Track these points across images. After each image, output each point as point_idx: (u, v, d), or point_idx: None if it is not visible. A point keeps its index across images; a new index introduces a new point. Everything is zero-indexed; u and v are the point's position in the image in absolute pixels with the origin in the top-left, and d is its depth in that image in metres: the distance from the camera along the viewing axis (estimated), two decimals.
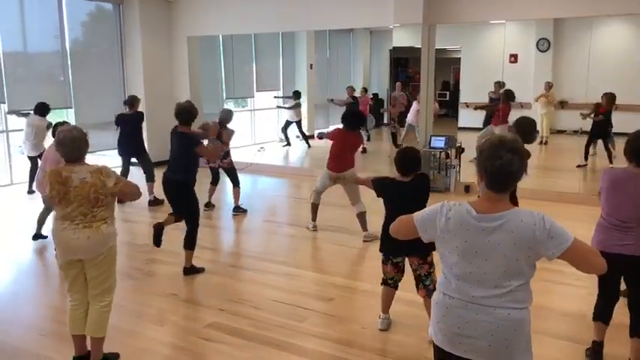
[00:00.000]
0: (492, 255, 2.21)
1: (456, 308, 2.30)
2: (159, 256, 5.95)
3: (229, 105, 13.25)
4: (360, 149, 6.68)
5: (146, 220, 7.49)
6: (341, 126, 6.56)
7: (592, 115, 10.25)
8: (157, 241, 5.36)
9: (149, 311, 4.61)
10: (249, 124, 14.02)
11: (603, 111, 10.16)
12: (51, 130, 6.06)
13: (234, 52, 12.88)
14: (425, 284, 4.00)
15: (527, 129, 5.41)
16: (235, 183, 7.65)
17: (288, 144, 13.70)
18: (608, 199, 3.49)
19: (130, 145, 8.14)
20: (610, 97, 10.13)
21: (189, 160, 5.29)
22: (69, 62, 10.15)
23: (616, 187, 3.44)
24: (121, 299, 4.66)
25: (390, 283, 4.12)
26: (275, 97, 13.68)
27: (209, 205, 7.78)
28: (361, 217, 6.42)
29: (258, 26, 10.74)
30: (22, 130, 8.72)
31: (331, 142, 6.57)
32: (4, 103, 9.23)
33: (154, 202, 7.98)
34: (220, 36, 12.20)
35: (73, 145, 3.45)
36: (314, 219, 6.85)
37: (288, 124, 13.57)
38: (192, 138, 5.34)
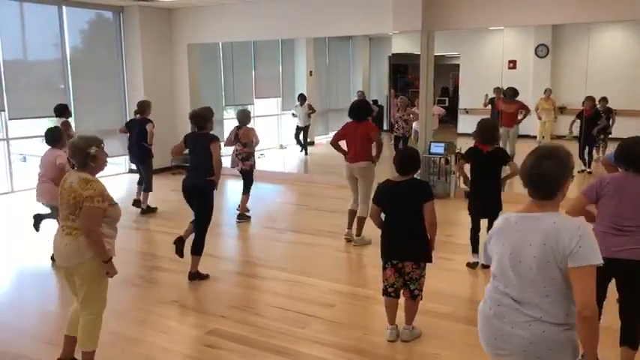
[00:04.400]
0: (525, 256, 2.19)
1: (494, 320, 2.29)
2: (161, 263, 5.96)
3: (229, 112, 13.28)
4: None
5: (146, 228, 7.51)
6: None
7: (574, 122, 10.54)
8: (180, 253, 5.38)
9: (151, 318, 4.61)
10: None
11: (589, 114, 10.28)
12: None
13: (233, 59, 12.93)
14: (410, 287, 4.05)
15: (485, 130, 5.52)
16: (245, 189, 7.59)
17: (305, 150, 13.43)
18: (610, 205, 3.38)
19: (134, 151, 8.14)
20: (590, 100, 10.36)
21: (209, 158, 5.31)
22: (69, 70, 10.18)
23: (620, 192, 3.38)
24: (123, 306, 4.68)
25: (391, 292, 4.09)
26: (293, 114, 13.53)
27: (242, 217, 7.63)
28: (360, 221, 6.41)
29: (258, 33, 10.80)
30: (22, 137, 8.72)
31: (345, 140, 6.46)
32: (4, 110, 9.25)
33: (147, 211, 7.97)
34: (220, 43, 12.26)
35: (71, 152, 3.54)
36: (348, 226, 6.60)
37: (299, 130, 13.41)
38: (208, 135, 5.43)
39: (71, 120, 8.20)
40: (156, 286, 5.38)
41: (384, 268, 4.11)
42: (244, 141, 7.37)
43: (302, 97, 13.33)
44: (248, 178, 7.58)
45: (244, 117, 7.50)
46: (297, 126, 13.40)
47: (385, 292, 4.12)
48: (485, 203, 5.56)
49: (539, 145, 2.35)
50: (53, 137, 5.90)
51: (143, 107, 7.98)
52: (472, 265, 5.63)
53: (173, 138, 10.49)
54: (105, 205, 3.42)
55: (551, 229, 2.14)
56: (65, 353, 3.69)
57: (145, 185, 8.05)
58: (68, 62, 10.18)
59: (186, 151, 5.63)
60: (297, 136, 13.49)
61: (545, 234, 2.14)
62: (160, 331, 4.38)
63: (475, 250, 5.64)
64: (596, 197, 3.42)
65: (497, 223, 2.38)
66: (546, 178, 2.19)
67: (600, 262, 2.11)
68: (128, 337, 4.16)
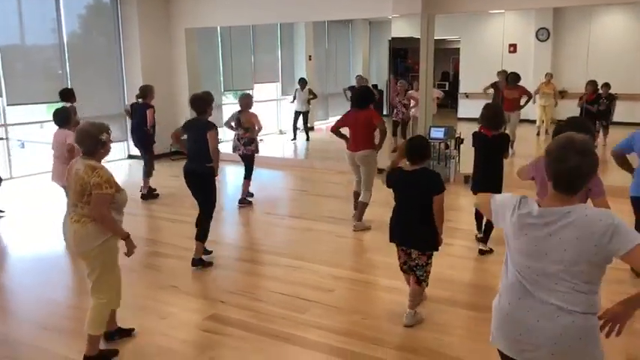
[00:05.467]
0: (553, 249, 2.13)
1: (516, 314, 2.23)
2: (160, 249, 5.96)
3: (228, 97, 13.22)
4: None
5: (145, 213, 7.50)
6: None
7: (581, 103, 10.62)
8: (200, 262, 5.39)
9: (150, 304, 4.62)
10: None
11: (591, 99, 10.26)
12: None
13: (232, 44, 12.83)
14: (417, 273, 4.10)
15: (491, 115, 5.49)
16: (247, 174, 7.56)
17: (306, 135, 13.38)
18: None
19: (136, 136, 8.11)
20: (592, 85, 10.44)
21: (206, 145, 5.28)
22: (66, 56, 10.11)
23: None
24: (122, 292, 4.67)
25: (405, 268, 4.22)
26: (291, 102, 13.43)
27: (243, 202, 7.61)
28: (362, 206, 6.40)
29: (257, 18, 10.70)
30: (21, 123, 8.69)
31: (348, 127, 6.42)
32: (2, 96, 9.20)
33: (147, 196, 7.96)
34: (218, 28, 12.16)
35: (80, 138, 3.53)
36: (355, 208, 6.59)
37: (297, 115, 13.26)
38: (206, 122, 5.40)
39: (76, 105, 8.16)
40: (155, 272, 5.38)
41: (397, 248, 4.21)
42: (246, 126, 7.32)
43: (303, 82, 13.21)
44: (249, 163, 7.54)
45: (247, 101, 7.45)
46: (296, 111, 13.28)
47: (401, 268, 4.26)
48: (487, 187, 5.51)
49: (564, 135, 2.20)
50: (62, 117, 5.90)
51: (145, 92, 7.93)
52: (480, 240, 5.59)
53: (173, 123, 10.41)
54: (112, 191, 3.43)
55: (585, 222, 2.09)
56: (89, 350, 3.64)
57: (145, 170, 8.03)
58: (65, 48, 10.10)
59: (185, 136, 5.61)
60: (295, 122, 13.39)
61: (578, 228, 2.09)
62: (159, 316, 4.38)
63: (480, 227, 5.67)
64: (533, 174, 3.79)
65: (517, 213, 2.24)
66: (578, 175, 2.11)
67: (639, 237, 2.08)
68: (127, 323, 4.16)
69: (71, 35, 10.32)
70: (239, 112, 7.40)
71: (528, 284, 2.20)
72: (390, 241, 4.22)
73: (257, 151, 7.59)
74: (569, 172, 2.11)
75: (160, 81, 10.96)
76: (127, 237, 3.55)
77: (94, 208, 3.40)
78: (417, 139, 4.20)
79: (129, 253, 3.58)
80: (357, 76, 13.65)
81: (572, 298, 2.12)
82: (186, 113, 10.84)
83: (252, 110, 7.46)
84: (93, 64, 10.66)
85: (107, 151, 3.60)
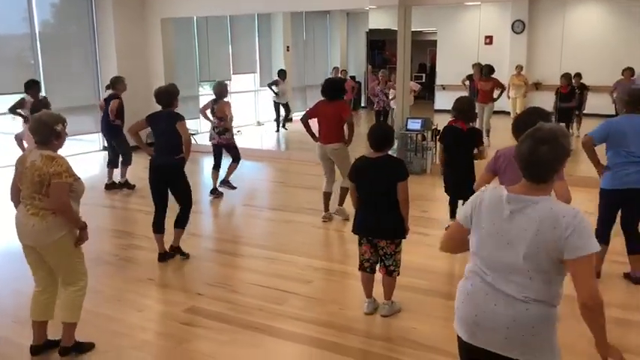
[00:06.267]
0: (516, 240, 2.13)
1: (475, 296, 2.24)
2: (135, 241, 5.91)
3: (205, 88, 13.10)
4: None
5: (121, 206, 7.43)
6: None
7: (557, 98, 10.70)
8: (178, 250, 5.38)
9: (126, 296, 4.58)
10: None
11: (565, 91, 10.46)
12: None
13: (209, 34, 12.71)
14: (386, 263, 4.08)
15: (464, 108, 5.51)
16: (235, 159, 7.51)
17: (284, 126, 13.39)
18: (505, 177, 3.57)
19: (103, 127, 8.03)
20: (566, 78, 10.59)
21: (176, 137, 5.20)
22: (38, 45, 9.89)
23: (513, 164, 3.52)
24: (97, 285, 4.63)
25: (367, 266, 4.14)
26: (275, 92, 13.25)
27: (215, 192, 7.56)
28: (343, 191, 6.31)
29: (233, 8, 10.60)
30: None
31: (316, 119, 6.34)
32: None
33: (121, 186, 7.88)
34: (195, 18, 12.02)
35: (35, 127, 3.45)
36: (325, 209, 6.52)
37: (278, 106, 13.24)
38: (174, 114, 5.31)
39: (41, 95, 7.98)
40: (131, 264, 5.34)
41: (360, 244, 4.14)
42: (219, 115, 7.28)
43: (284, 73, 13.20)
44: (232, 149, 7.49)
45: (220, 89, 7.37)
46: (280, 103, 13.22)
47: (361, 267, 4.17)
48: (459, 182, 5.55)
49: (536, 126, 2.22)
50: (38, 110, 5.70)
51: (113, 83, 7.87)
52: None
53: (147, 113, 10.29)
54: (71, 180, 3.38)
55: (548, 216, 2.09)
56: (37, 339, 3.64)
57: (123, 159, 7.93)
58: (37, 37, 9.88)
59: (149, 129, 5.52)
60: (277, 114, 13.34)
61: (540, 221, 2.09)
62: (135, 309, 4.35)
63: (453, 215, 5.71)
64: (495, 171, 3.70)
65: (488, 195, 2.26)
66: (542, 164, 2.13)
67: (598, 248, 2.08)
68: (103, 315, 4.12)
69: (43, 24, 10.11)
70: (214, 100, 7.35)
71: (488, 270, 2.22)
72: (354, 232, 4.16)
73: (231, 141, 7.47)
74: (537, 162, 2.13)
75: (136, 72, 10.81)
76: (84, 227, 3.50)
77: (54, 197, 3.33)
78: (381, 127, 4.13)
79: (79, 243, 3.51)
80: (334, 67, 13.66)
81: (528, 288, 2.13)
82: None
83: (227, 99, 7.41)
84: (66, 54, 10.47)
85: (61, 143, 3.52)
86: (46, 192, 3.35)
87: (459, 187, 5.56)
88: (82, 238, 3.51)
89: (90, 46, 10.79)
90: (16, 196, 3.55)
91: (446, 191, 5.85)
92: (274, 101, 13.25)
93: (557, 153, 2.14)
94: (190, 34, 12.29)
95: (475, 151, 5.63)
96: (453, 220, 5.71)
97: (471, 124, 5.63)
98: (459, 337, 2.36)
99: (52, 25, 10.48)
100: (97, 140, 10.92)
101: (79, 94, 10.46)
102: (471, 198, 2.35)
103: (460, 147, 5.52)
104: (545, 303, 2.15)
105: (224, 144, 7.44)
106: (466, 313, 2.28)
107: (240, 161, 7.61)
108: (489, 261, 2.22)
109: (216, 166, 7.55)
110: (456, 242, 2.46)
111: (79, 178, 3.49)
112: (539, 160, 2.12)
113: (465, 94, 11.81)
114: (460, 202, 5.73)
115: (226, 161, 7.63)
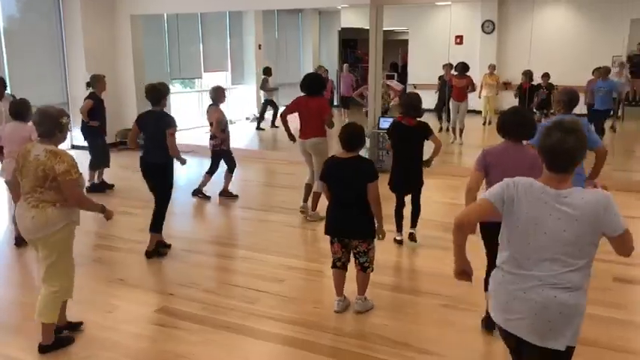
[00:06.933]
0: (552, 229, 2.25)
1: (506, 284, 2.36)
2: (105, 242, 5.83)
3: (175, 86, 12.97)
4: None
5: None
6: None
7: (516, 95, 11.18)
8: (155, 253, 5.36)
9: (97, 298, 4.50)
10: (198, 105, 13.75)
11: (526, 87, 10.81)
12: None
13: (179, 31, 12.58)
14: (359, 261, 4.11)
15: (411, 103, 5.42)
16: (228, 168, 7.38)
17: (259, 127, 13.34)
18: (495, 174, 3.57)
19: (81, 127, 7.85)
20: (526, 75, 11.04)
21: (165, 140, 5.17)
22: (3, 41, 9.65)
23: (501, 161, 3.61)
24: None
25: (339, 265, 4.17)
26: (267, 90, 13.15)
27: (197, 193, 7.45)
28: (316, 196, 6.35)
29: (204, 5, 10.51)
30: None
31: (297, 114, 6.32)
32: None
33: (97, 188, 7.72)
34: (165, 15, 11.88)
35: (40, 119, 3.50)
36: (304, 199, 6.54)
37: (267, 104, 13.23)
38: (165, 118, 5.27)
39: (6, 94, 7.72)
40: (102, 266, 5.25)
41: (332, 243, 4.16)
42: (210, 120, 7.21)
43: (269, 70, 13.13)
44: (224, 158, 7.33)
45: (214, 95, 7.15)
46: (270, 100, 13.17)
47: (334, 265, 4.19)
48: (408, 179, 5.51)
49: (557, 119, 2.38)
50: (20, 111, 5.42)
51: (91, 82, 7.67)
52: (399, 242, 5.60)
53: (118, 112, 10.20)
54: (79, 175, 3.51)
55: (583, 204, 2.23)
56: (45, 339, 3.63)
57: (91, 160, 7.76)
58: (2, 33, 9.64)
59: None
60: (263, 112, 13.28)
61: (580, 210, 2.22)
62: (106, 310, 4.29)
63: (399, 228, 5.63)
64: (485, 167, 3.66)
65: (522, 186, 2.34)
66: (571, 153, 2.26)
67: (625, 224, 2.27)
68: (73, 317, 4.04)
69: (8, 19, 9.86)
70: (209, 105, 7.23)
71: (523, 259, 2.32)
72: (326, 233, 4.16)
73: (222, 147, 7.25)
74: (568, 152, 2.25)
75: (105, 69, 10.53)
76: (103, 209, 3.77)
77: (69, 194, 3.44)
78: (352, 127, 4.12)
79: (109, 217, 3.88)
80: (319, 67, 13.65)
81: (561, 275, 2.25)
82: (132, 103, 10.64)
83: (222, 105, 7.15)
84: (32, 50, 10.21)
85: (64, 136, 3.60)
86: (49, 185, 3.42)
87: (408, 183, 5.53)
88: (110, 216, 3.87)
89: (57, 42, 10.58)
90: (16, 189, 3.64)
91: (391, 189, 5.59)
92: (265, 99, 13.23)
93: (583, 142, 2.28)
94: (161, 32, 12.15)
95: (426, 157, 5.56)
96: (399, 234, 5.61)
97: (417, 119, 5.51)
98: (499, 327, 2.48)
99: (18, 20, 10.22)
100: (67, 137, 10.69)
101: (46, 91, 10.23)
102: (503, 184, 2.39)
103: (406, 143, 5.42)
104: (574, 290, 2.26)
105: (213, 150, 7.30)
106: (499, 301, 2.40)
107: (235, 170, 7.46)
108: (525, 249, 2.32)
109: (209, 171, 7.45)
110: (481, 219, 2.57)
111: (82, 173, 3.63)
112: (568, 149, 2.24)
113: (436, 94, 12.01)
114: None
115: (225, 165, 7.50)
